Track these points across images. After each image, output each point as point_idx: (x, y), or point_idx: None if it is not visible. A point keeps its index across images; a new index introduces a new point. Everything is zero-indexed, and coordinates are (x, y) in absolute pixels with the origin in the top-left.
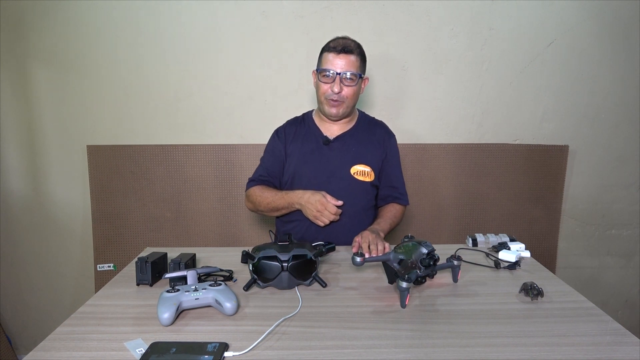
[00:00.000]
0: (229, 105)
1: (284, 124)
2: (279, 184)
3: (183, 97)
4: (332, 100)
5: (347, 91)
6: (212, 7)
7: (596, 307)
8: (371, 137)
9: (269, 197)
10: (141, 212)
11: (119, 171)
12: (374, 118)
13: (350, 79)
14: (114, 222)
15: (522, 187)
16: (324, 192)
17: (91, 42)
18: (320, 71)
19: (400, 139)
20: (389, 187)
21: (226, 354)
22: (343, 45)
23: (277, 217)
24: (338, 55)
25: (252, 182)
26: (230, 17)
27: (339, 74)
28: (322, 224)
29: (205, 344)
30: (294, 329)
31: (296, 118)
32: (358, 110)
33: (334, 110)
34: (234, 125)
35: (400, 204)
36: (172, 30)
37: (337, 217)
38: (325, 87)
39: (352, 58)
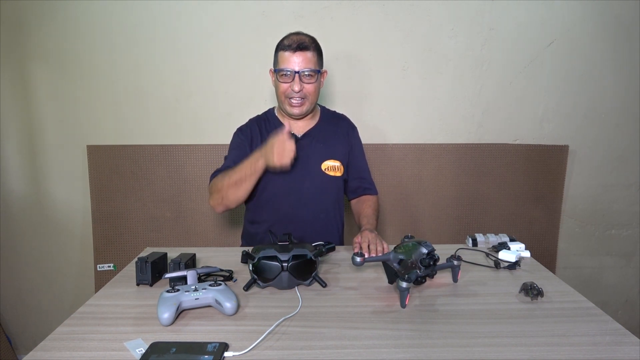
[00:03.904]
0: (229, 105)
1: (246, 123)
2: None
3: (183, 97)
4: (294, 99)
5: (308, 88)
6: (212, 7)
7: (596, 307)
8: (336, 130)
9: (230, 172)
10: (141, 212)
11: (119, 171)
12: (335, 112)
13: (309, 75)
14: (114, 222)
15: (522, 187)
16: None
17: (91, 42)
18: (278, 71)
19: (400, 139)
20: (358, 179)
21: (226, 354)
22: (298, 42)
23: (247, 221)
24: (294, 53)
25: (217, 172)
26: (230, 17)
27: (298, 72)
28: (288, 162)
29: (205, 344)
30: (294, 329)
31: (258, 117)
32: (319, 105)
33: (296, 110)
34: (234, 125)
35: (371, 194)
36: (172, 30)
37: (294, 149)
38: (284, 87)
39: (309, 54)
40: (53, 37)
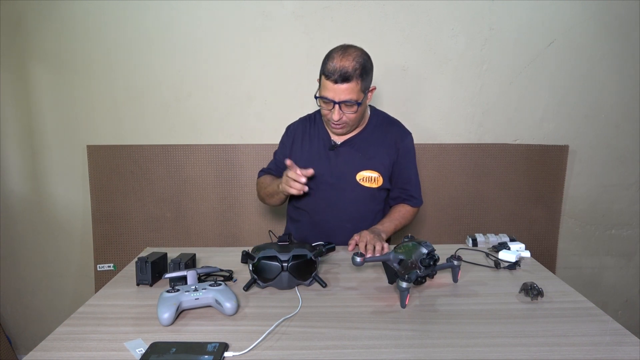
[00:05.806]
0: (229, 105)
1: (295, 121)
2: None
3: (183, 97)
4: (334, 124)
5: (348, 116)
6: (212, 7)
7: (596, 307)
8: (382, 138)
9: (267, 182)
10: (141, 212)
11: (119, 171)
12: (388, 116)
13: (349, 106)
14: (114, 222)
15: (522, 187)
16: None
17: (91, 42)
18: (319, 97)
19: None
20: (399, 189)
21: (226, 354)
22: (340, 72)
23: (288, 216)
24: (335, 85)
25: (262, 172)
26: (230, 17)
27: (337, 103)
28: (295, 191)
29: (205, 344)
30: (294, 329)
31: (309, 116)
32: (370, 107)
33: (338, 131)
34: (234, 125)
35: (410, 205)
36: (172, 30)
37: (303, 180)
38: (325, 112)
39: (352, 85)
40: (52, 37)
